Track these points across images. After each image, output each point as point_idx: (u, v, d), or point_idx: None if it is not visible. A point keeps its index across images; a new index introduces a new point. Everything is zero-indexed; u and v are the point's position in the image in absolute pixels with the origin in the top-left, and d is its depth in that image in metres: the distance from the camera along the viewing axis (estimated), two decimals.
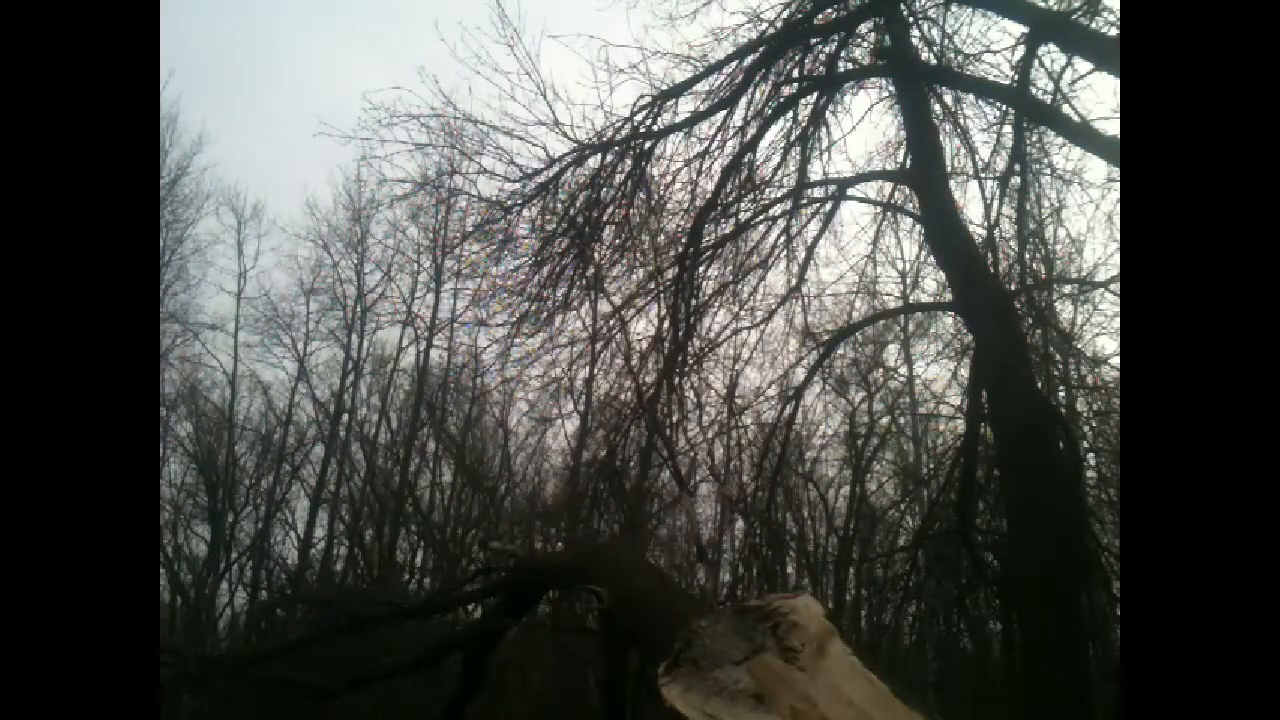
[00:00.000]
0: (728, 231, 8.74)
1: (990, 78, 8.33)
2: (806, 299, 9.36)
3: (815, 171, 9.10)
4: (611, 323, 9.34)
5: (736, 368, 10.07)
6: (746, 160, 8.61)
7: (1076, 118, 7.43)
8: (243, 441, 22.68)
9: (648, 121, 8.10)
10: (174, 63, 26.02)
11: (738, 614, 2.35)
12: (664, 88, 8.05)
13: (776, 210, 8.87)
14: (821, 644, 2.18)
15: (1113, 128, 6.87)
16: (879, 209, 9.60)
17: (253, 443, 22.88)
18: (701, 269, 8.72)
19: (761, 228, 8.94)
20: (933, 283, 10.23)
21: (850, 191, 9.09)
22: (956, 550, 9.01)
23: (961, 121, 8.98)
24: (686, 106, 8.25)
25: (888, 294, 11.81)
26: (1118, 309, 8.95)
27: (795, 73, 8.56)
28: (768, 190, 8.97)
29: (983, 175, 8.84)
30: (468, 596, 6.04)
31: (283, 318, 22.63)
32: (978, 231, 8.41)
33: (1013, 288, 8.42)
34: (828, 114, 8.90)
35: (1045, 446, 7.01)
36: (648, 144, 8.23)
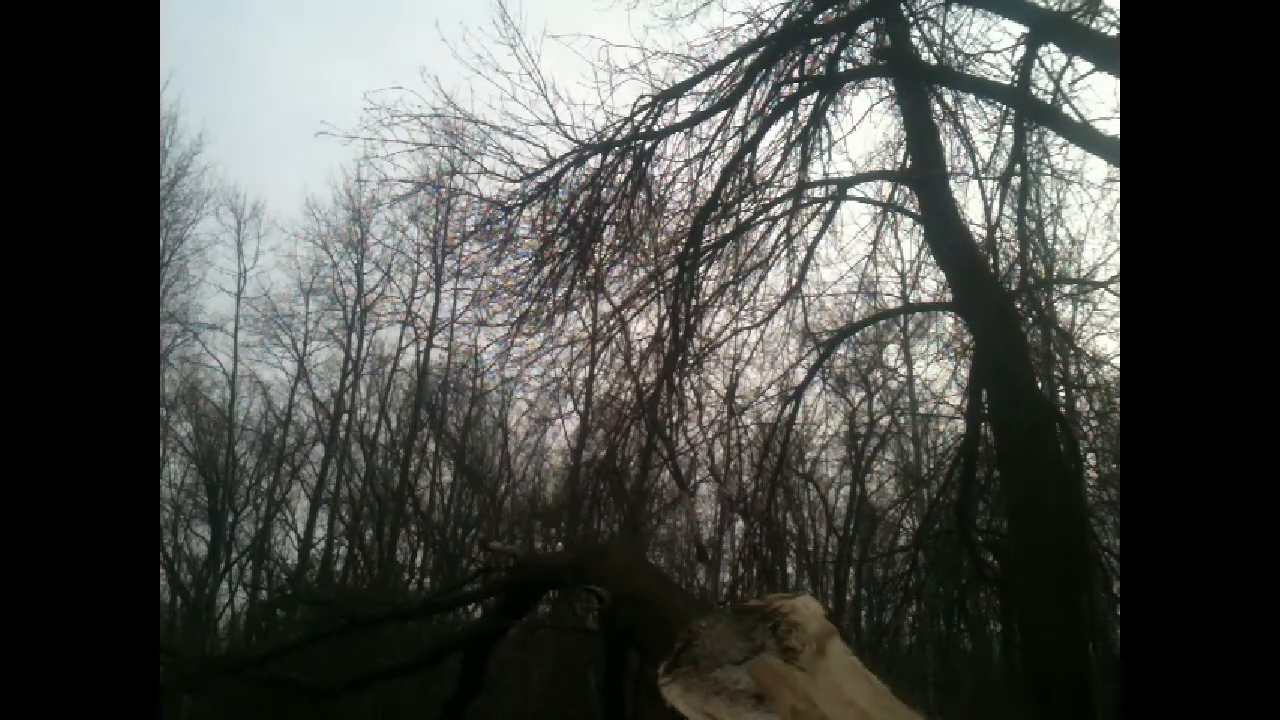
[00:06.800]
0: (728, 231, 8.73)
1: (990, 78, 8.32)
2: (806, 299, 9.38)
3: (815, 171, 9.10)
4: (611, 323, 9.33)
5: (736, 368, 10.08)
6: (746, 160, 8.60)
7: (1076, 118, 7.42)
8: (243, 441, 22.73)
9: (648, 122, 8.09)
10: (174, 63, 26.07)
11: (738, 614, 2.35)
12: (664, 88, 8.03)
13: (776, 210, 8.87)
14: (821, 644, 2.18)
15: (1113, 128, 6.87)
16: (879, 209, 9.60)
17: (253, 443, 22.91)
18: (701, 269, 8.71)
19: (761, 228, 8.94)
20: (933, 283, 10.21)
21: (850, 191, 9.08)
22: (956, 550, 9.01)
23: (961, 121, 8.98)
24: (687, 107, 8.24)
25: (888, 294, 11.78)
26: (1118, 309, 8.96)
27: (795, 73, 8.55)
28: (768, 190, 8.97)
29: (983, 175, 8.84)
30: (468, 596, 6.05)
31: (282, 318, 22.71)
32: (978, 231, 8.41)
33: (1013, 288, 8.42)
34: (828, 114, 8.90)
35: (1045, 446, 7.01)
36: (648, 144, 8.21)
